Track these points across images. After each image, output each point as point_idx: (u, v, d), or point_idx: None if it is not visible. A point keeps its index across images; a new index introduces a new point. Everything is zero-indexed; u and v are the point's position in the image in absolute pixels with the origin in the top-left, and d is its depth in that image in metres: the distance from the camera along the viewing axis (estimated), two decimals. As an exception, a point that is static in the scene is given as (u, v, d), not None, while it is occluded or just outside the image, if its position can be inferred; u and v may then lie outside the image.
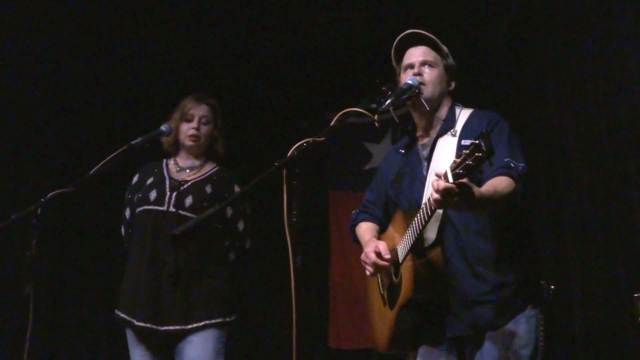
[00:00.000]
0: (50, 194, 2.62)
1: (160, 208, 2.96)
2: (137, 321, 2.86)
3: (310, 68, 5.26)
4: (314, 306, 5.40)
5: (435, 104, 2.48)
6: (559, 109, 3.93)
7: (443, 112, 2.50)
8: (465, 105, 2.55)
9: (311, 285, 5.42)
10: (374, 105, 2.23)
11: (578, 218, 3.68)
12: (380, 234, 2.62)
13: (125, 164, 2.80)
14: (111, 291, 4.68)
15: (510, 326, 2.27)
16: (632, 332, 3.01)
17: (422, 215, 2.19)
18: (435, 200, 1.99)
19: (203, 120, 3.12)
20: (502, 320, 2.27)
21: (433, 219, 2.28)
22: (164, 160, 3.19)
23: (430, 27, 2.57)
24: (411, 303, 2.30)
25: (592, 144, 3.51)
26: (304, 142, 2.04)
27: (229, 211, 3.06)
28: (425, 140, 2.51)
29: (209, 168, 3.14)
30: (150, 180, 3.08)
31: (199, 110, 3.12)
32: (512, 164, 2.22)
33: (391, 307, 2.41)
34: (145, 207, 2.99)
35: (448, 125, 2.44)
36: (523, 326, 2.28)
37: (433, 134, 2.48)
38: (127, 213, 3.12)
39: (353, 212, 2.77)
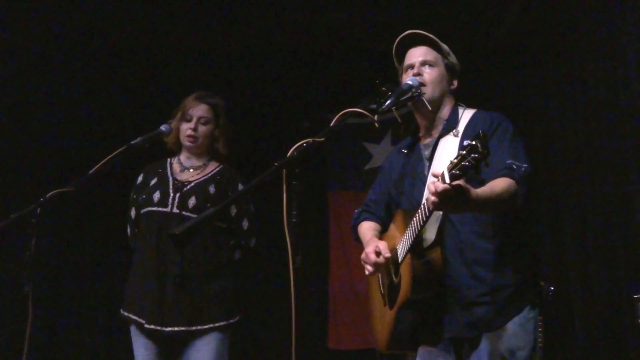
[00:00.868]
0: (50, 194, 2.62)
1: (164, 209, 2.96)
2: (146, 323, 2.86)
3: (310, 68, 5.26)
4: (314, 306, 5.40)
5: (437, 104, 2.47)
6: (559, 109, 3.93)
7: (445, 112, 2.49)
8: (468, 105, 2.54)
9: (311, 286, 5.42)
10: (374, 106, 2.22)
11: (578, 218, 3.68)
12: (382, 234, 2.62)
13: (126, 164, 2.80)
14: (111, 291, 4.68)
15: (507, 327, 2.27)
16: (632, 332, 3.02)
17: (420, 216, 2.19)
18: (432, 203, 1.99)
19: (202, 120, 3.11)
20: (499, 321, 2.27)
21: (433, 219, 2.28)
22: (169, 159, 3.18)
23: (431, 27, 2.57)
24: (410, 303, 2.30)
25: (592, 144, 3.52)
26: (304, 142, 2.04)
27: (233, 210, 3.06)
28: (428, 141, 2.50)
29: (212, 167, 3.14)
30: (154, 181, 3.08)
31: (197, 111, 3.11)
32: (514, 166, 2.21)
33: (391, 307, 2.42)
34: (149, 208, 2.99)
35: (450, 125, 2.43)
36: (520, 328, 2.28)
37: (435, 134, 2.48)
38: (133, 213, 3.12)
39: (355, 211, 2.77)
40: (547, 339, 3.28)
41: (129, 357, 3.01)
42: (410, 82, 2.39)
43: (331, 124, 2.15)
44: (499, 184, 2.18)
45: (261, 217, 3.20)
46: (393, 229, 2.53)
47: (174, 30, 4.79)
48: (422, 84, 2.42)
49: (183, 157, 3.16)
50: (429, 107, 2.42)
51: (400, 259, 2.35)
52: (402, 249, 2.34)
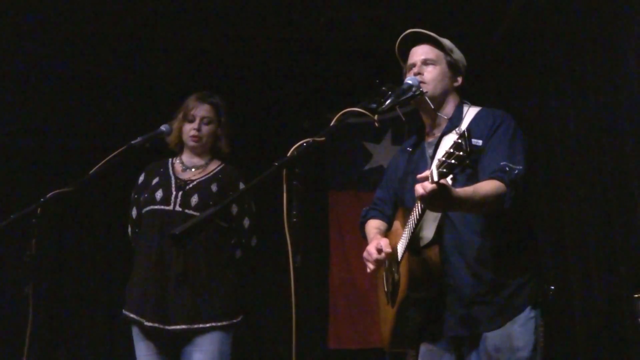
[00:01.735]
0: (50, 194, 2.62)
1: (167, 208, 2.96)
2: (146, 321, 2.86)
3: (311, 68, 5.26)
4: (314, 306, 5.40)
5: (439, 102, 2.47)
6: (560, 109, 3.93)
7: (449, 110, 2.49)
8: (474, 103, 2.53)
9: (311, 285, 5.42)
10: (374, 105, 2.22)
11: (578, 218, 3.68)
12: (387, 232, 2.62)
13: (126, 164, 2.80)
14: (111, 291, 4.69)
15: (507, 327, 2.26)
16: (632, 332, 3.01)
17: (415, 214, 2.20)
18: (419, 198, 2.02)
19: (205, 120, 3.13)
20: (499, 321, 2.27)
21: (431, 218, 2.29)
22: (170, 159, 3.20)
23: (431, 27, 2.57)
24: (408, 301, 2.31)
25: (593, 143, 3.51)
26: (304, 142, 2.04)
27: (235, 209, 3.07)
28: (431, 139, 2.51)
29: (214, 166, 3.15)
30: (156, 180, 3.08)
31: (200, 111, 3.13)
32: (507, 168, 2.20)
33: (392, 304, 2.43)
34: (152, 207, 2.99)
35: (453, 123, 2.42)
36: (521, 328, 2.27)
37: (438, 132, 2.48)
38: (134, 213, 3.12)
39: (363, 209, 2.79)
40: (547, 339, 3.28)
41: (130, 358, 3.01)
42: (410, 82, 2.39)
43: (331, 124, 2.15)
44: (484, 186, 2.18)
45: (261, 217, 3.21)
46: (396, 226, 2.54)
47: (174, 30, 4.79)
48: (422, 83, 2.42)
49: (185, 156, 3.17)
50: (432, 105, 2.42)
51: (399, 257, 2.36)
52: (401, 246, 2.35)
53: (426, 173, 2.00)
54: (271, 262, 4.51)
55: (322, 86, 5.38)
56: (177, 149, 3.19)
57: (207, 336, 2.88)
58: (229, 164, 3.19)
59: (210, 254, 2.95)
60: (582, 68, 3.63)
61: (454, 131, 2.38)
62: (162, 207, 2.97)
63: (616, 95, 3.25)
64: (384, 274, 2.54)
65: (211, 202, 2.95)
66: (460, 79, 2.54)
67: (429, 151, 2.47)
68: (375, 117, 2.23)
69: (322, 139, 2.06)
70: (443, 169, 1.90)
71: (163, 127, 3.08)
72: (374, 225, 2.66)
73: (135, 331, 2.96)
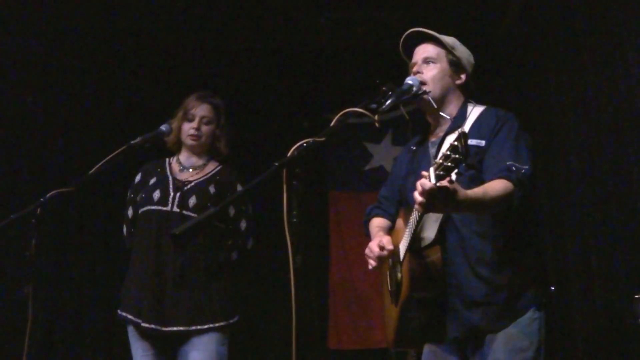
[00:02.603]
0: (50, 194, 2.61)
1: (164, 208, 2.96)
2: (143, 322, 2.86)
3: (310, 68, 5.26)
4: (314, 306, 5.40)
5: (440, 101, 2.45)
6: (560, 109, 3.93)
7: (453, 109, 2.47)
8: (478, 102, 2.51)
9: (311, 285, 5.42)
10: (374, 105, 2.21)
11: (578, 218, 3.68)
12: (391, 230, 2.62)
13: (126, 164, 2.79)
14: (111, 291, 4.67)
15: (511, 329, 2.25)
16: (632, 333, 3.01)
17: (415, 214, 2.19)
18: (419, 204, 1.96)
19: (204, 120, 3.13)
20: (503, 322, 2.25)
21: (432, 218, 2.28)
22: (167, 159, 3.19)
23: (431, 27, 2.56)
24: (410, 301, 2.30)
25: (593, 143, 3.51)
26: (304, 142, 2.03)
27: (232, 211, 3.06)
28: (435, 138, 2.49)
29: (211, 167, 3.14)
30: (153, 180, 3.07)
31: (200, 110, 3.13)
32: (513, 167, 2.19)
33: (395, 304, 2.42)
34: (149, 207, 2.98)
35: (457, 123, 2.40)
36: (525, 329, 2.25)
37: (441, 131, 2.47)
38: (130, 212, 3.11)
39: (368, 207, 2.78)
40: (547, 340, 3.28)
41: (129, 358, 3.01)
42: (410, 82, 2.38)
43: (331, 124, 2.15)
44: (494, 186, 2.16)
45: (261, 217, 3.21)
46: (399, 225, 2.53)
47: (174, 30, 4.79)
48: (422, 83, 2.42)
49: (183, 156, 3.16)
50: (434, 104, 2.41)
51: (401, 257, 2.36)
52: (402, 246, 2.35)
53: (425, 174, 1.96)
54: (271, 262, 4.51)
55: (322, 86, 5.38)
56: (175, 149, 3.18)
57: (205, 337, 2.88)
58: (227, 164, 3.19)
59: (207, 255, 2.94)
60: (583, 67, 3.63)
61: (457, 130, 2.38)
62: (160, 207, 2.96)
63: (617, 95, 3.25)
64: (388, 272, 2.54)
65: (209, 204, 2.95)
66: (463, 77, 2.51)
67: (432, 150, 2.46)
68: (376, 117, 2.22)
69: (322, 139, 2.06)
70: (440, 171, 1.88)
71: (163, 127, 3.08)
72: (377, 224, 2.66)
73: (131, 331, 2.95)
